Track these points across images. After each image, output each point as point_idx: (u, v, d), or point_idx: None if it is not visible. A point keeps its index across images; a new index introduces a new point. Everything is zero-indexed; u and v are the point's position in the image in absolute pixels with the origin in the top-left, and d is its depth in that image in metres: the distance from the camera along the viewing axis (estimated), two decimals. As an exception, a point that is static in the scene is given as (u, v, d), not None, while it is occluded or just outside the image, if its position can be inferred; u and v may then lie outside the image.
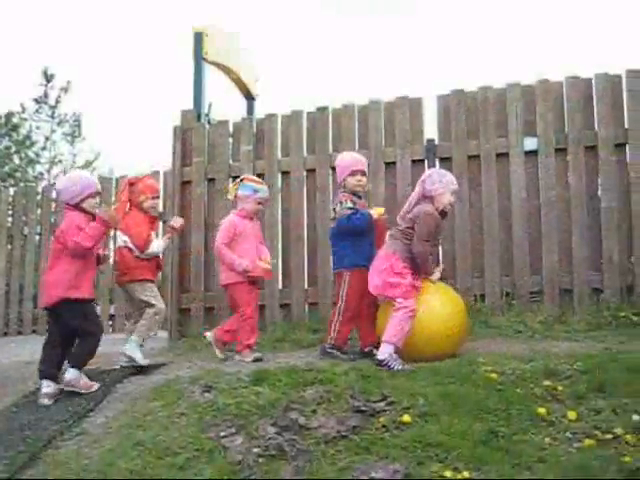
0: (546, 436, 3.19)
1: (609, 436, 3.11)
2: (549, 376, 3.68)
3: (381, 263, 4.40)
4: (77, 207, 4.42)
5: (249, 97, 7.88)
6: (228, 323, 4.93)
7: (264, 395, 3.76)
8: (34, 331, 7.85)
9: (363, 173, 4.75)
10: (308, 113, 6.07)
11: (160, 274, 5.72)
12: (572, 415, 3.29)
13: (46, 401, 4.17)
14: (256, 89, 7.91)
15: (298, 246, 5.87)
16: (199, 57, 6.70)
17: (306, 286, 5.86)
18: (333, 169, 5.83)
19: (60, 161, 18.77)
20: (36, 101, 18.84)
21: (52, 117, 18.88)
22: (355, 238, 4.59)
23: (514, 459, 3.03)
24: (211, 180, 6.22)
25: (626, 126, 5.39)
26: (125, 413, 3.86)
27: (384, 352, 4.21)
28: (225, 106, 7.52)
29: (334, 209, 4.73)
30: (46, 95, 18.97)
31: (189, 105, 6.63)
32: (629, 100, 5.40)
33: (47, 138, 18.68)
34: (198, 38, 6.73)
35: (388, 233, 4.57)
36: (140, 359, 4.69)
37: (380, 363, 4.17)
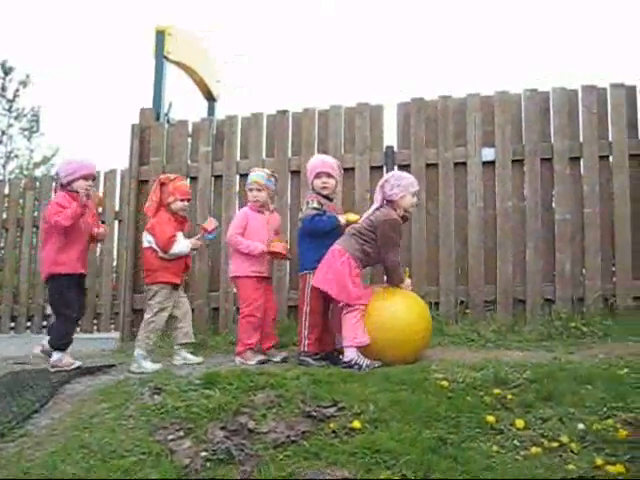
0: (494, 444, 3.21)
1: (555, 444, 3.14)
2: (499, 384, 3.70)
3: (333, 260, 4.38)
4: (67, 186, 4.66)
5: (210, 98, 7.82)
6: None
7: (214, 398, 3.71)
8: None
9: (329, 175, 4.74)
10: (268, 116, 6.06)
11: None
12: (520, 423, 3.31)
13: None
14: (218, 90, 7.85)
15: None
16: (160, 56, 6.64)
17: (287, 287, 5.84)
18: (292, 173, 5.84)
19: (16, 156, 18.44)
20: (-7, 94, 18.48)
21: (9, 111, 18.54)
22: (319, 240, 4.57)
23: (462, 467, 3.04)
24: (169, 180, 6.13)
25: (581, 140, 5.48)
26: (71, 415, 3.78)
27: (349, 355, 4.24)
28: (186, 106, 7.47)
29: (301, 209, 4.76)
30: (4, 88, 18.64)
31: (149, 104, 6.56)
32: (584, 114, 5.50)
33: (3, 132, 18.33)
34: (160, 37, 6.67)
35: (346, 230, 4.58)
36: (150, 368, 4.52)
37: (349, 364, 4.20)
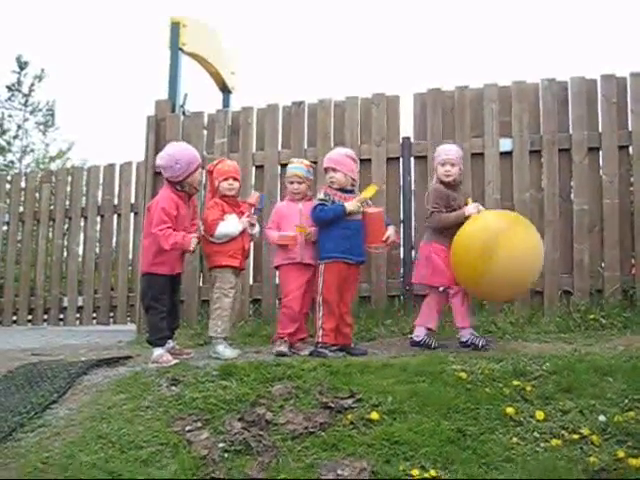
0: (514, 436, 3.19)
1: (576, 436, 3.12)
2: (518, 376, 3.68)
3: (422, 254, 4.70)
4: (177, 184, 4.51)
5: (225, 90, 7.80)
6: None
7: (231, 390, 3.72)
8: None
9: (333, 170, 4.71)
10: (284, 107, 6.03)
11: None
12: (540, 415, 3.29)
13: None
14: (233, 82, 7.83)
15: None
16: (175, 48, 6.61)
17: (277, 281, 5.82)
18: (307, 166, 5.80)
19: (32, 150, 18.54)
20: (9, 89, 18.58)
21: (25, 105, 18.63)
22: (330, 229, 4.57)
23: (481, 458, 3.03)
24: (184, 172, 6.13)
25: (600, 130, 5.42)
26: (89, 405, 3.79)
27: (466, 335, 4.50)
28: (201, 98, 7.46)
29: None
30: (19, 83, 18.71)
31: (164, 95, 6.56)
32: (603, 104, 5.43)
33: (19, 126, 18.41)
34: (175, 29, 6.64)
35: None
36: (229, 354, 4.50)
37: (466, 343, 4.47)
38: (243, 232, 4.68)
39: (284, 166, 5.87)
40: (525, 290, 4.81)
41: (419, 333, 4.63)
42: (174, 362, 4.30)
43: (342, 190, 4.70)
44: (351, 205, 4.59)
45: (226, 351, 4.53)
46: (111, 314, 7.51)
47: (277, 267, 4.87)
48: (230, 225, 4.63)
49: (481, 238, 4.16)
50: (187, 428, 3.44)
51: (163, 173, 4.56)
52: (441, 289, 4.57)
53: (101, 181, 7.80)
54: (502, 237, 4.10)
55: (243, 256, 4.78)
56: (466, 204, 4.62)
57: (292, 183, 4.86)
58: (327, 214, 4.58)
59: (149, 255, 4.48)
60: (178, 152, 4.53)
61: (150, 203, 4.63)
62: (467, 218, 4.45)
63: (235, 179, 4.75)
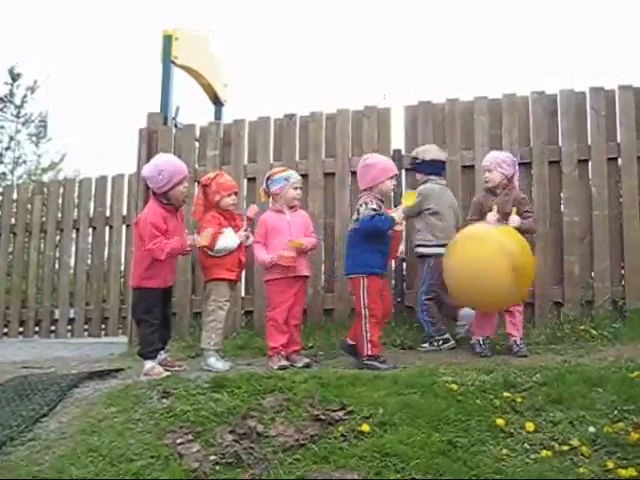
0: (504, 447, 3.20)
1: (566, 447, 3.13)
2: (509, 388, 3.69)
3: None
4: (161, 196, 4.48)
5: (217, 102, 7.82)
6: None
7: (223, 402, 3.72)
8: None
9: (396, 178, 4.81)
10: (276, 120, 6.06)
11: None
12: (530, 426, 3.31)
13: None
14: (225, 94, 7.86)
15: (262, 253, 5.81)
16: (167, 60, 6.63)
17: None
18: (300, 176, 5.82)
19: (24, 162, 18.46)
20: (1, 100, 18.51)
21: (17, 117, 18.57)
22: (375, 242, 4.54)
23: (472, 470, 3.04)
24: (176, 184, 6.15)
25: (589, 142, 5.47)
26: (80, 418, 3.78)
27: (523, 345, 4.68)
28: (193, 111, 7.47)
29: (357, 210, 4.64)
30: (12, 94, 18.65)
31: (156, 108, 6.58)
32: (592, 117, 5.48)
33: (11, 138, 18.36)
34: (167, 41, 6.66)
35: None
36: (220, 367, 4.49)
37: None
38: (240, 245, 4.70)
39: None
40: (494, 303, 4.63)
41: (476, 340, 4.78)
42: (165, 374, 4.30)
43: (381, 200, 4.71)
44: (398, 216, 4.60)
45: (218, 364, 4.52)
46: (103, 326, 7.50)
47: (265, 280, 4.81)
48: (229, 239, 4.63)
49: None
50: (178, 441, 3.43)
51: (148, 184, 4.57)
52: None
53: (93, 193, 7.81)
54: (452, 246, 4.55)
55: (239, 269, 4.80)
56: (490, 210, 4.72)
57: (296, 189, 4.83)
58: (384, 225, 4.53)
59: (140, 269, 4.48)
60: (163, 163, 4.54)
61: (137, 218, 4.62)
62: None
63: (236, 194, 4.81)
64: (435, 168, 5.31)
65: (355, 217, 4.66)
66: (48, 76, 18.94)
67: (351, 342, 4.66)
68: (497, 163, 4.84)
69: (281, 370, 4.35)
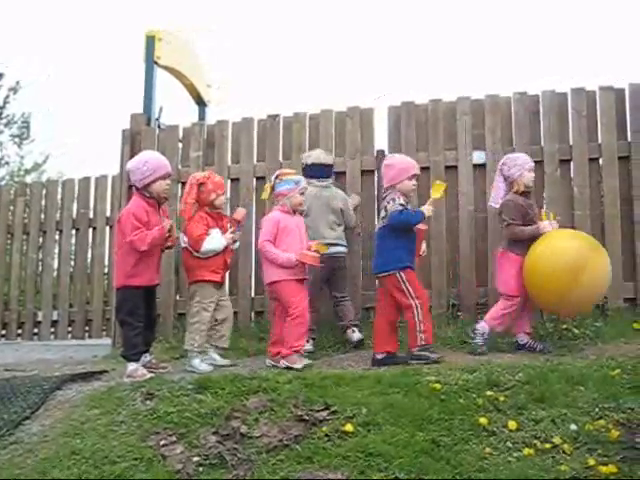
0: (487, 446, 3.23)
1: (548, 445, 3.17)
2: (491, 386, 3.72)
3: (497, 262, 4.87)
4: (142, 190, 4.45)
5: (201, 103, 7.81)
6: (275, 334, 4.70)
7: (206, 403, 3.72)
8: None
9: (417, 177, 4.79)
10: (259, 120, 6.06)
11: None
12: (512, 425, 3.33)
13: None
14: (208, 95, 7.84)
15: (246, 254, 5.81)
16: (150, 61, 6.61)
17: (253, 294, 5.83)
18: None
19: (7, 163, 18.33)
20: (-18, 101, 18.37)
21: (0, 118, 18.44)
22: (403, 239, 4.58)
23: (455, 469, 3.06)
24: (159, 185, 6.13)
25: (571, 143, 5.51)
26: (63, 421, 3.77)
27: (525, 338, 4.77)
28: (177, 111, 7.45)
29: (385, 207, 4.65)
30: (-6, 95, 18.51)
31: (140, 109, 6.55)
32: (574, 117, 5.53)
33: (-6, 139, 18.22)
34: (150, 42, 6.64)
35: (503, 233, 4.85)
36: (204, 369, 4.48)
37: (524, 346, 4.73)
38: (226, 247, 4.69)
39: (259, 179, 5.92)
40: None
41: (522, 337, 4.78)
42: (149, 376, 4.28)
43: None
44: (427, 209, 4.63)
45: (202, 365, 4.52)
46: (86, 328, 7.44)
47: (273, 283, 4.65)
48: (216, 241, 4.62)
49: (572, 257, 4.41)
50: (162, 442, 3.43)
51: (131, 178, 4.55)
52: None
53: (76, 194, 7.75)
54: (591, 260, 4.39)
55: (224, 271, 4.79)
56: (540, 218, 4.74)
57: (302, 194, 4.79)
58: (415, 218, 4.58)
59: (125, 267, 4.44)
60: (147, 155, 4.61)
61: (120, 214, 4.59)
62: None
63: (224, 193, 4.83)
64: (316, 171, 5.33)
65: (383, 214, 4.69)
66: (32, 77, 18.77)
67: (380, 354, 4.59)
68: (531, 165, 4.90)
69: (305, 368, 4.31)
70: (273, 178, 4.83)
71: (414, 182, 4.75)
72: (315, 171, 5.33)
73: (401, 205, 4.57)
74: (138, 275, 4.42)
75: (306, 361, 4.45)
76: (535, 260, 4.51)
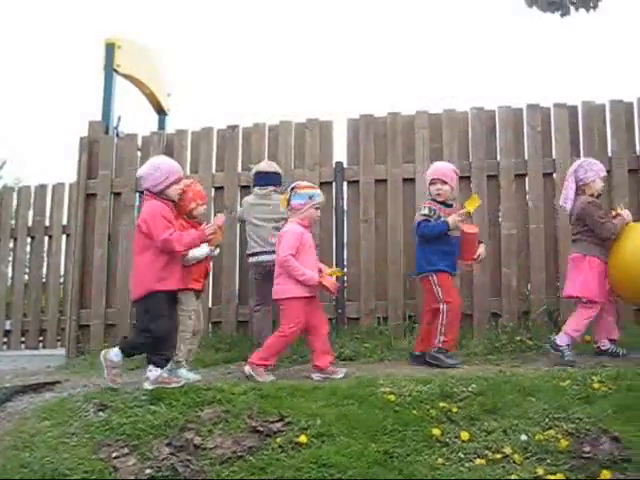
0: (439, 456, 3.25)
1: (498, 456, 3.20)
2: (445, 398, 3.74)
3: (576, 267, 4.70)
4: (158, 195, 4.25)
5: (161, 112, 7.77)
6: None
7: (160, 414, 3.67)
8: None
9: (442, 182, 4.77)
10: (218, 130, 6.06)
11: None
12: (465, 436, 3.36)
13: None
14: (168, 104, 7.81)
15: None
16: (110, 69, 6.57)
17: (210, 305, 5.80)
18: (241, 187, 5.83)
19: (-38, 169, 17.97)
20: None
21: (-45, 123, 18.08)
22: (434, 244, 4.66)
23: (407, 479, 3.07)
24: (117, 194, 6.10)
25: (526, 157, 5.62)
26: (11, 433, 3.69)
27: (607, 344, 4.75)
28: (136, 120, 7.40)
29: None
30: (-52, 100, 18.15)
31: (98, 117, 6.50)
32: (529, 133, 5.64)
33: (-52, 145, 17.85)
34: (110, 50, 6.60)
35: (571, 239, 4.85)
36: (193, 378, 4.35)
37: (607, 352, 4.70)
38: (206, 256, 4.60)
39: (218, 189, 5.91)
40: None
41: (605, 343, 4.78)
42: (183, 382, 4.14)
43: (444, 204, 4.76)
44: (453, 220, 4.64)
45: (189, 374, 4.39)
46: (41, 338, 7.32)
47: (283, 299, 4.52)
48: (201, 249, 4.48)
49: None
50: (114, 454, 3.39)
51: (143, 184, 4.33)
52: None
53: (32, 202, 7.63)
54: None
55: (204, 279, 4.74)
56: (615, 215, 4.72)
57: (317, 209, 4.69)
58: (432, 231, 4.66)
59: (154, 271, 4.13)
60: (159, 161, 4.42)
61: (141, 217, 4.27)
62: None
63: (205, 203, 4.78)
64: (258, 180, 5.37)
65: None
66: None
67: (417, 353, 4.78)
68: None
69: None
70: (289, 190, 4.68)
71: (437, 187, 4.75)
72: (258, 180, 5.35)
73: (423, 215, 4.72)
74: (168, 278, 4.18)
75: (272, 377, 4.38)
76: (632, 254, 4.50)
